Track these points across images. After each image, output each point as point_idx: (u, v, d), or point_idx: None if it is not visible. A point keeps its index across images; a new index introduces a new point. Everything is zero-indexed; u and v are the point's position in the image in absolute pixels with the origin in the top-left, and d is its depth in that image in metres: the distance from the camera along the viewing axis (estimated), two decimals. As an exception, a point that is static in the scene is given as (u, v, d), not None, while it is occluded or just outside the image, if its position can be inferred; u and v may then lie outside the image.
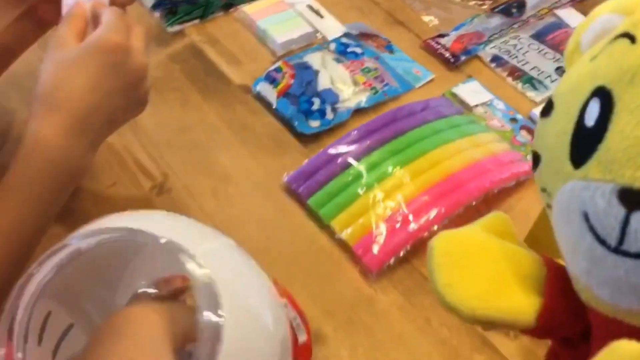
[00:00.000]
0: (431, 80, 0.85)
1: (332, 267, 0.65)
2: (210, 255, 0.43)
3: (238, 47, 0.87)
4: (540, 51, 0.89)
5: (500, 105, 0.83)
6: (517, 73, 0.86)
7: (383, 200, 0.67)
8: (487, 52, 0.88)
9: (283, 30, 0.87)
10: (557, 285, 0.41)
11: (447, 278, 0.41)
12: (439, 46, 0.88)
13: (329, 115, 0.77)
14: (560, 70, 0.86)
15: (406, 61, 0.87)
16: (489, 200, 0.71)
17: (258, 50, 0.86)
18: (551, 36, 0.92)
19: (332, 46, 0.87)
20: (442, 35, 0.90)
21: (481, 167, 0.70)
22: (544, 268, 0.43)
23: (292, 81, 0.80)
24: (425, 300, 0.63)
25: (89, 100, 0.51)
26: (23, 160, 0.50)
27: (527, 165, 0.74)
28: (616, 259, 0.33)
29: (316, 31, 0.89)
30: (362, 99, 0.80)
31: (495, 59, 0.88)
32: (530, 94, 0.84)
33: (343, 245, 0.66)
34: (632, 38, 0.35)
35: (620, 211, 0.32)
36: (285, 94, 0.79)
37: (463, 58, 0.87)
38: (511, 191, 0.73)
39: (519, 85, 0.85)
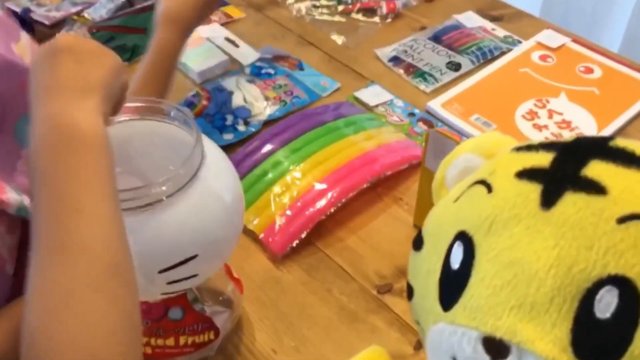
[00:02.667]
0: (338, 89, 0.94)
1: (243, 254, 0.72)
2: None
3: (163, 81, 0.96)
4: (434, 49, 0.98)
5: (399, 103, 0.91)
6: (411, 69, 0.95)
7: (283, 192, 0.75)
8: (387, 53, 0.98)
9: (200, 60, 0.96)
10: None
11: None
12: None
13: (241, 128, 0.86)
14: (451, 64, 0.95)
15: (315, 75, 0.97)
16: (388, 182, 0.79)
17: (180, 80, 0.96)
18: (447, 37, 1.01)
19: (247, 70, 0.96)
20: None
21: (372, 154, 0.79)
22: None
23: (207, 103, 0.89)
24: (327, 274, 0.71)
25: None
26: None
27: (420, 150, 0.82)
28: None
29: (232, 59, 0.98)
30: (272, 111, 0.89)
31: (393, 59, 0.97)
32: (422, 86, 0.93)
33: (252, 234, 0.74)
34: (488, 187, 0.37)
35: (485, 359, 0.33)
36: (202, 115, 0.88)
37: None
38: (407, 173, 0.81)
39: (413, 80, 0.94)
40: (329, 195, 0.74)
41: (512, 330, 0.32)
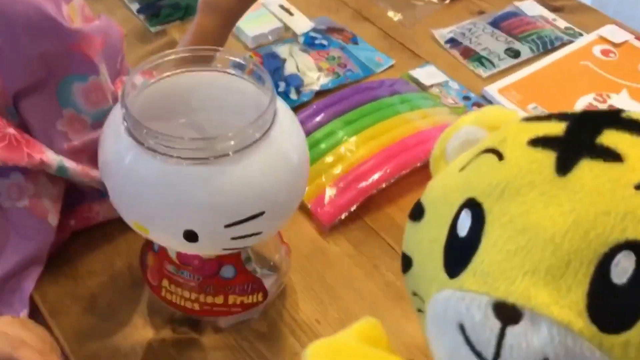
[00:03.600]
0: (391, 66, 0.92)
1: (289, 222, 0.71)
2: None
3: (215, 43, 0.95)
4: (493, 35, 0.96)
5: (454, 85, 0.89)
6: (468, 53, 0.93)
7: (335, 163, 0.73)
8: (444, 35, 0.96)
9: (255, 25, 0.95)
10: None
11: None
12: None
13: (293, 96, 0.85)
14: (510, 51, 0.93)
15: (369, 50, 0.95)
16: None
17: (232, 44, 0.95)
18: (506, 23, 0.99)
19: (301, 39, 0.95)
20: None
21: (427, 133, 0.77)
22: None
23: (260, 68, 0.88)
24: (374, 250, 0.69)
25: None
26: None
27: (475, 133, 0.81)
28: None
29: (286, 27, 0.97)
30: (325, 82, 0.87)
31: (450, 41, 0.95)
32: (479, 70, 0.91)
33: (300, 204, 0.72)
34: (499, 155, 0.36)
35: (495, 324, 0.32)
36: (254, 80, 0.86)
37: None
38: (459, 157, 0.79)
39: (469, 64, 0.91)
40: (382, 170, 0.72)
41: (525, 295, 0.32)
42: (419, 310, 0.41)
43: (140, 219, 0.47)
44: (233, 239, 0.47)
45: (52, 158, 0.57)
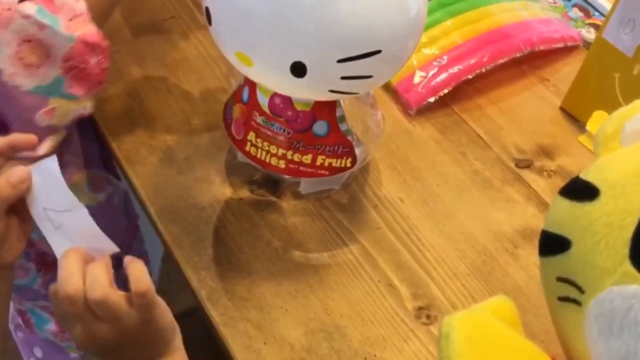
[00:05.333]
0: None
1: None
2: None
3: None
4: None
5: (554, -16, 0.83)
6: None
7: (428, 44, 0.69)
8: None
9: None
10: None
11: None
12: None
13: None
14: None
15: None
16: (534, 59, 0.72)
17: None
18: None
19: None
20: None
21: (530, 24, 0.71)
22: None
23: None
24: (462, 137, 0.65)
25: None
26: None
27: (577, 33, 0.75)
28: None
29: None
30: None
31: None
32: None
33: (386, 84, 0.68)
34: None
35: None
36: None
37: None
38: (558, 54, 0.73)
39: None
40: (479, 56, 0.67)
41: None
42: (564, 299, 0.36)
43: (245, 46, 0.44)
44: (343, 78, 0.44)
45: None
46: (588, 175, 0.37)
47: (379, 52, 0.43)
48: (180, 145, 0.61)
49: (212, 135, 0.62)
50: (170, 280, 0.68)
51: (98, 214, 0.44)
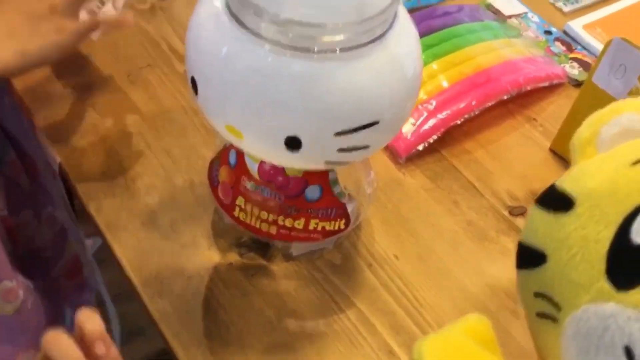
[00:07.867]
0: (467, -7, 0.85)
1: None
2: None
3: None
4: (578, -33, 0.88)
5: (535, 18, 0.82)
6: (551, -16, 0.85)
7: (415, 89, 0.67)
8: (524, -34, 0.88)
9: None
10: None
11: None
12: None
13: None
14: (597, -14, 0.85)
15: (442, -25, 0.87)
16: (520, 97, 0.71)
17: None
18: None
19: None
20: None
21: (515, 64, 0.70)
22: None
23: None
24: (453, 185, 0.64)
25: None
26: None
27: (562, 70, 0.74)
28: None
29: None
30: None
31: (532, -28, 0.87)
32: (560, 4, 0.84)
33: (373, 131, 0.66)
34: None
35: None
36: None
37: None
38: (543, 93, 0.72)
39: (551, -3, 0.84)
40: (467, 100, 0.66)
41: None
42: (541, 315, 0.35)
43: (236, 120, 0.41)
44: (340, 150, 0.41)
45: None
46: (564, 184, 0.35)
47: (376, 122, 0.41)
48: (163, 206, 0.58)
49: (197, 194, 0.59)
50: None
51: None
